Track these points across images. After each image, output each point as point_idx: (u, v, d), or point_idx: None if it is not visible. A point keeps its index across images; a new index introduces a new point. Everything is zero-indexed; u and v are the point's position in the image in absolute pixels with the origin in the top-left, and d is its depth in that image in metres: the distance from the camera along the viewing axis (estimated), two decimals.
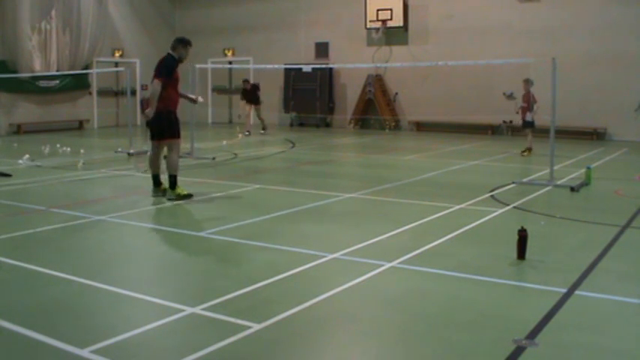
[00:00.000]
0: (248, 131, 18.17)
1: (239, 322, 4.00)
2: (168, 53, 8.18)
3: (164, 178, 8.35)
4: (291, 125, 21.43)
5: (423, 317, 4.21)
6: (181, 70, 8.35)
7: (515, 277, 5.17)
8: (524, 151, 13.14)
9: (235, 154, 13.38)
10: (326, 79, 20.65)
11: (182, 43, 8.20)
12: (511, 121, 17.39)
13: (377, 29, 19.61)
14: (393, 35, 19.77)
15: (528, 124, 12.98)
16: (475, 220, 6.98)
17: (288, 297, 4.54)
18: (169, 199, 8.03)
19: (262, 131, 18.37)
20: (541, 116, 13.78)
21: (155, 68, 8.03)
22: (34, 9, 18.85)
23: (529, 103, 12.75)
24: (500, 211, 7.54)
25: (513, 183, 9.37)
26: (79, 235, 6.47)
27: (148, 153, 8.55)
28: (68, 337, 3.78)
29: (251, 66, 21.69)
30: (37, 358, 3.60)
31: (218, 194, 8.61)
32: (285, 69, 20.43)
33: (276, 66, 19.17)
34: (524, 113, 12.93)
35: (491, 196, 8.48)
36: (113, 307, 4.37)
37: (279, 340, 3.80)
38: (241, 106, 19.14)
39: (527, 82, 12.79)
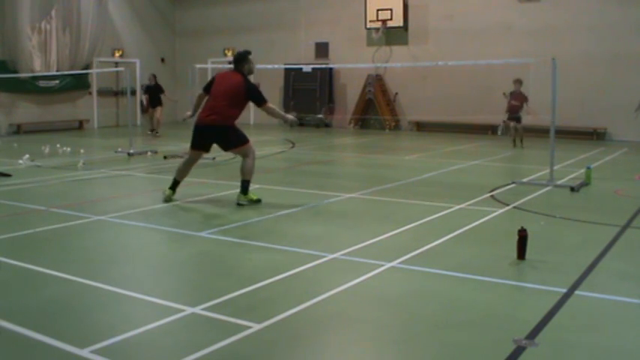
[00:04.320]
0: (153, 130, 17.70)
1: (239, 322, 4.00)
2: (245, 77, 7.81)
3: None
4: (291, 125, 21.37)
5: (422, 317, 4.21)
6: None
7: (515, 277, 5.17)
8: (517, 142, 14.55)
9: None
10: (326, 79, 20.64)
11: (247, 58, 7.86)
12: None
13: (377, 29, 19.61)
14: (393, 35, 19.77)
15: (519, 120, 14.56)
16: (475, 220, 6.98)
17: (288, 297, 4.54)
18: (240, 204, 7.78)
19: (151, 132, 17.68)
20: (541, 116, 13.88)
21: (256, 96, 7.77)
22: (34, 9, 18.84)
23: (522, 101, 14.33)
24: (500, 211, 7.54)
25: (513, 183, 9.37)
26: (79, 235, 6.47)
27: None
28: (68, 337, 3.78)
29: None
30: (37, 358, 3.60)
31: (218, 194, 8.61)
32: (285, 69, 20.43)
33: (276, 66, 19.17)
34: (516, 110, 14.48)
35: (491, 196, 8.48)
36: (113, 307, 4.37)
37: (279, 340, 3.80)
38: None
39: (519, 82, 14.35)
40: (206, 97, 8.01)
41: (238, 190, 7.89)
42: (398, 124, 19.90)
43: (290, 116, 8.30)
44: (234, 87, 7.74)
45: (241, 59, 7.90)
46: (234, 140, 7.83)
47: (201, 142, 7.94)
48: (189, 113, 8.84)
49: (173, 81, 21.96)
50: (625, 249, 5.96)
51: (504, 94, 14.57)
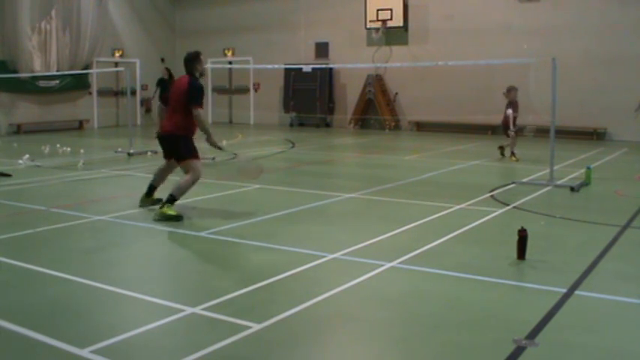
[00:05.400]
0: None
1: (239, 322, 4.00)
2: (195, 78, 7.30)
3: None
4: (291, 125, 21.42)
5: (422, 317, 4.21)
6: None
7: (515, 277, 5.17)
8: (513, 156, 12.59)
9: (235, 154, 13.36)
10: (326, 79, 20.65)
11: (198, 58, 7.39)
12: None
13: (377, 29, 19.61)
14: (393, 35, 19.77)
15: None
16: (475, 220, 6.98)
17: (288, 297, 4.54)
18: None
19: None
20: (541, 116, 13.80)
21: (192, 95, 7.13)
22: (34, 9, 18.84)
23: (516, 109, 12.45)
24: (500, 211, 7.54)
25: (513, 183, 9.37)
26: (79, 235, 6.47)
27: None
28: (68, 337, 3.78)
29: (251, 66, 21.70)
30: (37, 358, 3.60)
31: (218, 194, 8.61)
32: (285, 69, 20.44)
33: (276, 66, 19.17)
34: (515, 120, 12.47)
35: (491, 196, 8.48)
36: (113, 307, 4.37)
37: (279, 340, 3.80)
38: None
39: (516, 90, 12.39)
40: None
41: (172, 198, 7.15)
42: (398, 124, 19.90)
43: (218, 144, 7.53)
44: (181, 90, 7.23)
45: (191, 59, 7.37)
46: (183, 151, 7.21)
47: (164, 151, 7.54)
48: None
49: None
50: (625, 249, 5.96)
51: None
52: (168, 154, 7.51)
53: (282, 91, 21.65)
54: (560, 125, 12.52)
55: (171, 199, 7.08)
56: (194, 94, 7.19)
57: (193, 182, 7.23)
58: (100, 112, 21.33)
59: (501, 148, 13.12)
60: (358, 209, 7.96)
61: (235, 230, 6.60)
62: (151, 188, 7.74)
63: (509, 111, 12.37)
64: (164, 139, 7.44)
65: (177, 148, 7.26)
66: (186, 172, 7.26)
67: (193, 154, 7.26)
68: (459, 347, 3.73)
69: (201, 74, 7.47)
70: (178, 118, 7.23)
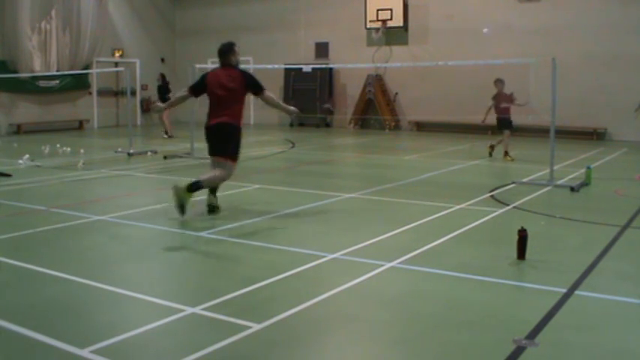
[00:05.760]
0: (166, 132, 17.14)
1: (239, 322, 4.00)
2: (237, 67, 7.43)
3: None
4: (291, 125, 21.42)
5: (422, 317, 4.21)
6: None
7: (515, 277, 5.17)
8: (507, 155, 12.35)
9: None
10: (326, 79, 20.65)
11: (232, 49, 7.45)
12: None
13: (377, 29, 19.62)
14: (393, 35, 19.78)
15: (510, 125, 12.53)
16: (475, 220, 6.98)
17: (288, 297, 4.54)
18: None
19: (166, 135, 17.15)
20: (541, 116, 13.76)
21: (252, 83, 7.31)
22: (34, 9, 18.85)
23: (510, 102, 12.32)
24: (500, 211, 7.54)
25: (513, 183, 9.37)
26: (79, 235, 6.46)
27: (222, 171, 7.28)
28: (68, 337, 3.78)
29: (251, 66, 21.67)
30: (37, 358, 3.60)
31: (218, 194, 8.59)
32: (285, 69, 20.44)
33: (276, 66, 19.17)
34: (506, 112, 12.38)
35: (491, 196, 8.48)
36: (113, 307, 4.37)
37: (279, 340, 3.80)
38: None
39: (501, 83, 12.36)
40: (189, 99, 7.75)
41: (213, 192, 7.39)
42: (398, 124, 19.90)
43: (291, 107, 7.82)
44: (234, 82, 7.23)
45: (228, 51, 7.40)
46: (232, 148, 7.22)
47: (213, 146, 7.33)
48: (162, 105, 8.51)
49: (173, 81, 21.98)
50: (625, 249, 5.96)
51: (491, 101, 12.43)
52: (217, 148, 7.24)
53: (282, 91, 21.64)
54: (560, 125, 12.52)
55: (197, 186, 6.92)
56: (253, 81, 7.35)
57: (223, 179, 7.31)
58: (100, 112, 21.32)
59: (491, 148, 12.90)
60: (358, 209, 7.96)
61: (235, 230, 6.60)
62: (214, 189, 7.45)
63: (491, 102, 12.40)
64: (218, 129, 7.19)
65: (229, 140, 7.20)
66: (222, 168, 7.20)
67: (237, 156, 7.32)
68: (459, 347, 3.73)
69: (237, 64, 7.47)
70: (230, 109, 7.19)
